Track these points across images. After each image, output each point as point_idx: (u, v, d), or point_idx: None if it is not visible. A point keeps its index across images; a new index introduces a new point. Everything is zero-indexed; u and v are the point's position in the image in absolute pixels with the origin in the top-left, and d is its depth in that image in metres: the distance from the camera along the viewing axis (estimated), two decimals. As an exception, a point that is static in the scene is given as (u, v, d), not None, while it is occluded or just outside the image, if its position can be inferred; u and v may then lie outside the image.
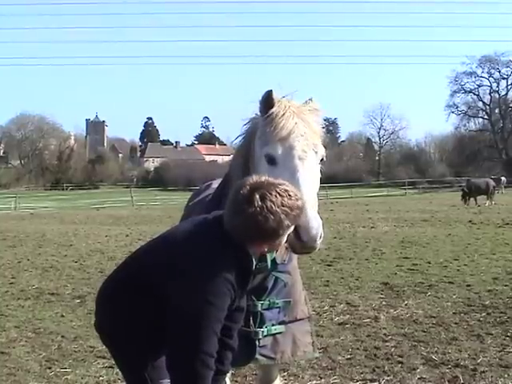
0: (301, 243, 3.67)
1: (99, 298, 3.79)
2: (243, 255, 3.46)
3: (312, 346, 4.82)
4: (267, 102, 4.00)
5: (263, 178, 3.43)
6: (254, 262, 3.55)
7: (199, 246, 3.42)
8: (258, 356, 4.32)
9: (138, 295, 3.54)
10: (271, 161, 3.92)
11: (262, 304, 4.18)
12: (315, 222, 3.67)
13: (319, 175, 4.05)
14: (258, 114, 4.15)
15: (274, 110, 3.98)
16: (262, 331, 4.27)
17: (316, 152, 3.99)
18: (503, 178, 58.32)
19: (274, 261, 3.89)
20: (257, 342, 4.26)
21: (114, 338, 3.68)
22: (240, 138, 4.36)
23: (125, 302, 3.59)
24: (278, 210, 3.32)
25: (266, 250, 3.56)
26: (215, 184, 5.03)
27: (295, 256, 4.36)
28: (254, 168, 4.10)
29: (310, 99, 4.25)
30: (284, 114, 3.96)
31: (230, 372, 4.36)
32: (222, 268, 3.36)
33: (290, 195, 3.37)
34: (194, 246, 3.43)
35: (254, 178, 3.43)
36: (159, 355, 3.61)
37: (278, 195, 3.33)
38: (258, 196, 3.31)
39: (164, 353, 3.53)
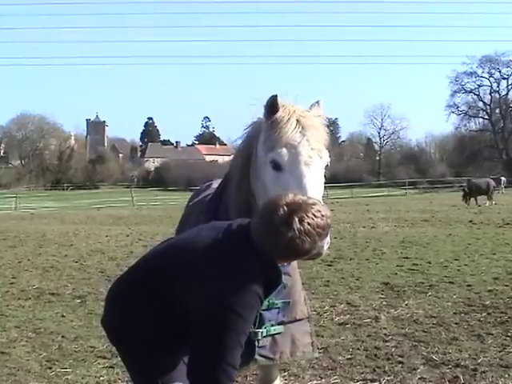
0: None
1: (109, 297, 3.77)
2: (272, 268, 3.44)
3: (311, 346, 4.82)
4: (272, 107, 4.01)
5: (298, 198, 3.40)
6: (283, 275, 3.56)
7: (226, 257, 3.39)
8: (257, 356, 4.31)
9: (148, 299, 3.52)
10: (277, 166, 3.92)
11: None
12: None
13: (324, 180, 4.07)
14: (260, 117, 4.16)
15: (278, 115, 3.98)
16: (261, 332, 4.26)
17: (321, 157, 4.01)
18: (503, 178, 58.22)
19: None
20: (256, 343, 4.25)
21: (123, 339, 3.67)
22: (241, 141, 4.37)
23: (134, 304, 3.57)
24: (313, 232, 3.32)
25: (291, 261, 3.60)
26: (215, 184, 5.04)
27: None
28: (255, 171, 4.10)
29: (317, 102, 4.26)
30: (289, 120, 3.97)
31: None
32: (250, 280, 3.34)
33: (322, 215, 3.37)
34: (219, 256, 3.40)
35: (290, 198, 3.39)
36: (170, 359, 3.60)
37: (314, 217, 3.33)
38: (297, 219, 3.29)
39: (176, 357, 3.52)
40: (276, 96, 4.01)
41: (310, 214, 3.32)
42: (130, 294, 3.63)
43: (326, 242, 3.75)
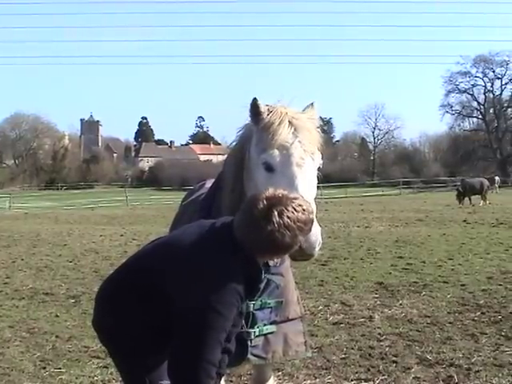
0: (300, 250, 3.66)
1: (99, 297, 3.79)
2: (253, 266, 3.46)
3: (304, 345, 4.83)
4: (254, 109, 4.04)
5: (279, 192, 3.40)
6: (263, 273, 3.56)
7: (208, 254, 3.40)
8: (249, 356, 4.32)
9: (138, 297, 3.53)
10: (269, 168, 3.92)
11: (253, 304, 4.17)
12: (314, 230, 3.66)
13: (316, 182, 4.06)
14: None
15: (269, 116, 4.00)
16: (254, 331, 4.27)
17: (313, 159, 4.01)
18: (497, 178, 58.32)
19: (266, 263, 3.89)
20: (248, 343, 4.26)
21: (113, 338, 3.67)
22: (234, 144, 4.38)
23: (124, 303, 3.58)
24: (294, 226, 3.32)
25: (274, 259, 3.59)
26: (209, 183, 5.06)
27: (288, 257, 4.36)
28: (248, 173, 4.11)
29: (311, 104, 4.27)
30: (281, 122, 3.97)
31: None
32: (231, 278, 3.35)
33: (304, 210, 3.37)
34: (202, 253, 3.41)
35: (270, 192, 3.40)
36: (159, 356, 3.60)
37: (294, 211, 3.33)
38: (276, 212, 3.29)
39: (164, 354, 3.52)
40: (255, 99, 4.04)
41: (290, 208, 3.33)
42: (118, 293, 3.65)
43: (318, 243, 3.75)
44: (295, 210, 3.33)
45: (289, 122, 3.98)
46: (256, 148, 4.03)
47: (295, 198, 3.40)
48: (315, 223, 3.66)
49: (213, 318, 3.31)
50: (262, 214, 3.30)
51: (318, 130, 4.18)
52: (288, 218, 3.30)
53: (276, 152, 3.90)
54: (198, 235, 3.52)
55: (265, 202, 3.33)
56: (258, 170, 4.00)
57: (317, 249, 3.78)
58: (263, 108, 4.03)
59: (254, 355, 4.39)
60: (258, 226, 3.30)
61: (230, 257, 3.39)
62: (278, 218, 3.28)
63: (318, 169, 4.10)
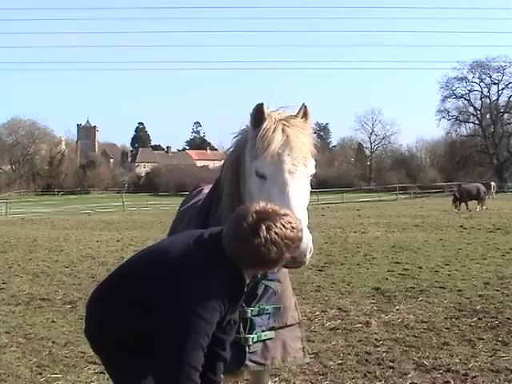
0: (291, 258, 3.65)
1: (89, 304, 3.80)
2: (237, 277, 3.46)
3: (302, 351, 4.82)
4: (257, 115, 3.99)
5: (268, 207, 3.39)
6: (247, 284, 3.57)
7: (194, 260, 3.40)
8: (248, 362, 4.31)
9: (127, 304, 3.53)
10: (261, 175, 3.90)
11: (251, 310, 4.17)
12: (305, 238, 3.63)
13: (309, 189, 4.03)
14: (248, 124, 4.15)
15: (264, 123, 3.96)
16: (252, 337, 4.27)
17: (306, 166, 3.97)
18: (492, 183, 58.26)
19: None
20: (247, 349, 4.25)
21: (103, 345, 3.67)
22: (230, 150, 4.37)
23: (113, 309, 3.58)
24: (281, 242, 3.30)
25: (260, 273, 3.59)
26: (206, 189, 5.05)
27: None
28: (244, 180, 4.10)
29: (304, 106, 4.22)
30: (275, 128, 3.94)
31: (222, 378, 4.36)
32: (214, 284, 3.36)
33: (292, 227, 3.36)
34: (188, 259, 3.41)
35: (260, 206, 3.39)
36: (148, 364, 3.60)
37: (282, 227, 3.32)
38: (264, 227, 3.28)
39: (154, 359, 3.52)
40: (262, 104, 4.00)
41: (279, 224, 3.31)
42: (106, 302, 3.65)
43: (309, 251, 3.73)
44: (284, 226, 3.32)
45: (282, 129, 3.95)
46: (249, 154, 4.02)
47: (285, 215, 3.38)
48: (306, 230, 3.64)
49: (193, 322, 3.31)
50: (250, 228, 3.29)
51: (312, 136, 4.15)
52: (276, 233, 3.29)
53: (268, 159, 3.87)
54: (185, 244, 3.52)
55: (254, 215, 3.32)
56: (250, 177, 4.00)
57: (308, 256, 3.74)
58: (267, 114, 4.01)
59: (253, 361, 4.38)
60: (245, 239, 3.29)
61: (215, 265, 3.39)
62: (265, 233, 3.27)
63: (314, 175, 4.08)
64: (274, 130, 3.93)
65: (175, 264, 3.41)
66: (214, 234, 3.55)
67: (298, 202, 3.77)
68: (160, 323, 3.38)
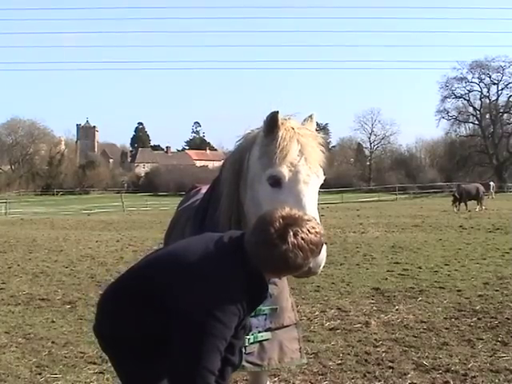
0: (306, 269, 3.64)
1: (100, 303, 3.79)
2: (259, 283, 3.47)
3: (300, 352, 4.84)
4: (272, 123, 4.04)
5: (294, 212, 3.41)
6: (269, 290, 3.57)
7: (214, 264, 3.40)
8: (244, 363, 4.30)
9: (139, 305, 3.51)
10: (276, 183, 3.96)
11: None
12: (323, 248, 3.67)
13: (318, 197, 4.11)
14: (252, 129, 4.20)
15: (280, 132, 4.01)
16: (249, 338, 4.27)
17: (318, 176, 4.09)
18: (492, 183, 58.25)
19: None
20: (243, 350, 4.25)
21: (112, 344, 3.67)
22: (233, 153, 4.39)
23: (124, 309, 3.57)
24: (307, 247, 3.33)
25: (282, 277, 3.61)
26: (204, 189, 5.07)
27: None
28: (245, 183, 4.11)
29: (310, 116, 4.29)
30: (291, 138, 4.01)
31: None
32: (235, 288, 3.36)
33: (317, 232, 3.39)
34: (207, 262, 3.41)
35: (286, 211, 3.40)
36: (158, 365, 3.59)
37: (308, 232, 3.34)
38: (291, 232, 3.30)
39: (164, 363, 3.51)
40: (277, 112, 4.04)
41: (305, 229, 3.34)
42: (119, 300, 3.63)
43: (322, 261, 3.80)
44: (309, 231, 3.35)
45: (295, 138, 4.02)
46: (260, 161, 4.05)
47: (309, 220, 3.42)
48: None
49: (212, 325, 3.30)
50: (278, 233, 3.30)
51: (322, 147, 4.22)
52: (302, 239, 3.31)
53: (285, 168, 3.94)
54: (205, 246, 3.52)
55: (281, 220, 3.34)
56: (260, 184, 4.03)
57: (321, 267, 3.88)
58: (280, 122, 4.04)
59: (250, 362, 4.39)
60: (272, 244, 3.30)
61: (236, 269, 3.39)
62: (293, 239, 3.29)
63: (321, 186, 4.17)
64: (291, 140, 3.99)
65: (195, 266, 3.41)
66: (234, 238, 3.55)
67: (313, 212, 3.85)
68: (178, 325, 3.36)
